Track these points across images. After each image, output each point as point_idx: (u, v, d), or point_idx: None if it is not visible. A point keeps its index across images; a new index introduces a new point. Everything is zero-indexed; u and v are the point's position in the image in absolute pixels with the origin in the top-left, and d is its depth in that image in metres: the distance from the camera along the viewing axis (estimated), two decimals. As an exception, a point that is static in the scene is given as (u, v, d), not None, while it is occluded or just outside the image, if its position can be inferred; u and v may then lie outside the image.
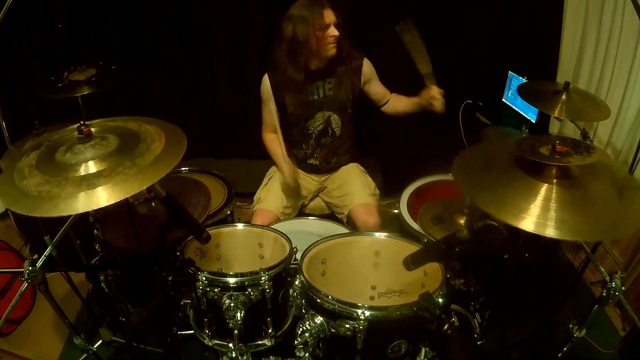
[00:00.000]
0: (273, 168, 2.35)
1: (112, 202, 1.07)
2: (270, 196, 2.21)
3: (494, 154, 1.39)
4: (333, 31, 1.97)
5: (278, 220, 2.15)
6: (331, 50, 2.01)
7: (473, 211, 1.70)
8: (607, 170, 1.27)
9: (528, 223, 1.08)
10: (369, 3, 2.52)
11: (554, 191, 1.15)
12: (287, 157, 2.11)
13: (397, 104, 2.27)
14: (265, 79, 2.15)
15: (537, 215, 1.09)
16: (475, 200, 1.17)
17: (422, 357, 1.35)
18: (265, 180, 2.32)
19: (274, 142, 2.22)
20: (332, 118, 2.18)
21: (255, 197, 2.28)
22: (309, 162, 2.29)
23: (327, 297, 1.33)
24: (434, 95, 1.98)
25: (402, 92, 2.29)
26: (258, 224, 2.07)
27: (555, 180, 1.18)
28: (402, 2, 2.53)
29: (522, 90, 1.92)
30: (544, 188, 1.16)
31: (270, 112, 2.18)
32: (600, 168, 1.25)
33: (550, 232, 1.06)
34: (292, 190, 2.19)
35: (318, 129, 2.20)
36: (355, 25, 2.21)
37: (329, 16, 1.97)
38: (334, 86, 2.13)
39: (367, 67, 2.18)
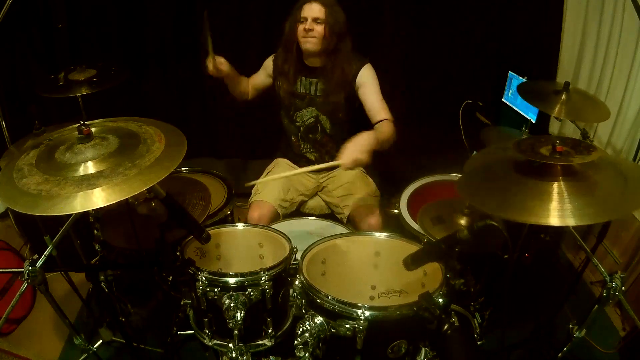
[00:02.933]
0: (273, 162, 2.37)
1: (111, 202, 1.07)
2: (268, 188, 2.21)
3: (492, 165, 1.43)
4: (308, 25, 1.98)
5: (276, 213, 2.15)
6: (305, 45, 2.03)
7: (473, 211, 1.70)
8: (610, 162, 1.31)
9: (552, 219, 1.14)
10: (368, 1, 2.52)
11: (563, 187, 1.19)
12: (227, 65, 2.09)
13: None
14: (271, 57, 2.24)
15: (557, 209, 1.15)
16: (490, 211, 1.20)
17: (422, 357, 1.35)
18: (264, 174, 2.33)
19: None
20: (320, 117, 2.19)
21: (253, 189, 2.28)
22: (306, 155, 2.30)
23: (327, 297, 1.33)
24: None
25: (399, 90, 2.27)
26: (255, 216, 2.08)
27: (561, 177, 1.21)
28: (402, 2, 2.54)
29: (522, 90, 1.92)
30: (554, 186, 1.20)
31: (258, 77, 2.30)
32: (602, 163, 1.28)
33: (571, 221, 1.13)
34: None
35: (306, 123, 2.21)
36: (354, 23, 2.20)
37: (310, 10, 1.99)
38: (323, 89, 2.12)
39: (363, 72, 2.08)
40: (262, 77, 2.30)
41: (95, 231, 1.88)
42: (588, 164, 1.23)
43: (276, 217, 2.16)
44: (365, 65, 2.11)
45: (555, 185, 1.19)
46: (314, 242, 1.59)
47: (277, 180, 2.23)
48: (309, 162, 2.31)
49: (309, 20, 1.99)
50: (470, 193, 1.36)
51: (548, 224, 1.13)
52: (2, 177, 1.18)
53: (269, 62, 2.26)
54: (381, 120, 2.03)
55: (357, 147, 1.69)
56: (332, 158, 2.28)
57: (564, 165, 1.21)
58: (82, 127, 1.21)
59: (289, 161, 2.34)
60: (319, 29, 1.99)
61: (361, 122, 2.33)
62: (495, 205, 1.21)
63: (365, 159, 1.69)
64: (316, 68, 2.12)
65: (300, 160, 2.32)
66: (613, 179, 1.24)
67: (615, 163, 1.32)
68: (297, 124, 2.23)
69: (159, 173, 1.14)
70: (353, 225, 2.14)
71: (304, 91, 2.16)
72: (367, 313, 1.28)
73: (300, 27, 2.01)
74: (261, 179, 2.21)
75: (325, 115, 2.18)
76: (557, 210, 1.14)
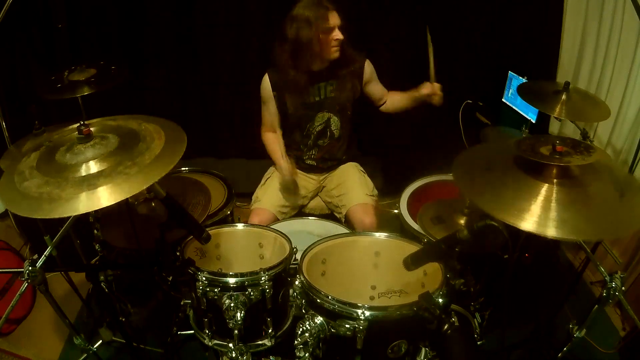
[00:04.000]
0: (272, 167, 2.35)
1: (112, 202, 1.07)
2: (267, 195, 2.21)
3: (494, 155, 1.40)
4: (337, 34, 1.96)
5: (275, 219, 2.15)
6: (334, 54, 2.00)
7: (473, 211, 1.70)
8: (607, 170, 1.28)
9: (529, 223, 1.08)
10: (369, 2, 2.52)
11: (554, 191, 1.15)
12: (286, 155, 2.10)
13: (395, 100, 2.27)
14: (266, 79, 2.14)
15: (538, 215, 1.10)
16: (476, 200, 1.17)
17: (422, 357, 1.36)
18: (263, 180, 2.32)
19: (273, 140, 2.22)
20: (331, 120, 2.18)
21: (253, 196, 2.28)
22: (307, 162, 2.29)
23: (327, 297, 1.33)
24: (434, 90, 2.00)
25: (400, 88, 2.28)
26: (255, 223, 2.08)
27: (555, 180, 1.18)
28: (403, 2, 2.54)
29: (522, 90, 1.92)
30: (544, 188, 1.16)
31: (270, 112, 2.19)
32: (600, 168, 1.25)
33: (552, 232, 1.06)
34: (290, 189, 2.18)
35: (317, 129, 2.19)
36: (355, 23, 2.21)
37: (334, 19, 1.95)
38: (335, 88, 2.12)
39: (368, 68, 2.17)
40: (271, 106, 2.17)
41: (95, 231, 1.88)
42: (586, 167, 1.20)
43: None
44: (367, 61, 2.18)
45: (545, 188, 1.15)
46: (314, 242, 1.59)
47: (278, 187, 2.23)
48: (310, 167, 2.31)
49: (336, 29, 1.96)
50: (465, 179, 1.32)
51: (523, 228, 1.07)
52: (5, 181, 1.19)
53: (267, 86, 2.14)
54: (387, 94, 2.29)
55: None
56: (334, 161, 2.30)
57: (561, 167, 1.18)
58: (82, 127, 1.21)
59: None
60: (341, 36, 1.98)
61: (362, 120, 2.35)
62: (487, 199, 1.18)
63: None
64: (321, 71, 2.09)
65: (300, 164, 2.31)
66: (608, 192, 1.19)
67: (613, 170, 1.28)
68: (309, 132, 2.21)
69: (160, 170, 1.14)
70: (349, 224, 2.14)
71: (313, 99, 2.13)
72: (367, 313, 1.28)
73: (332, 37, 1.96)
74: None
75: (336, 116, 2.18)
76: (538, 217, 1.08)
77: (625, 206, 1.15)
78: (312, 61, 2.04)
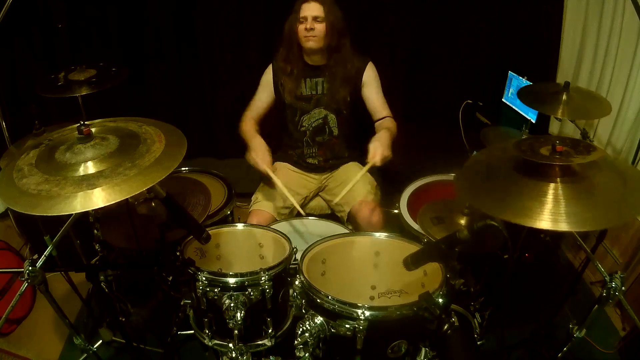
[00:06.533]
0: (273, 165, 2.35)
1: (111, 202, 1.07)
2: (267, 197, 2.20)
3: (492, 163, 1.41)
4: (307, 24, 2.01)
5: (275, 221, 2.15)
6: (307, 43, 2.05)
7: (473, 211, 1.70)
8: (609, 164, 1.30)
9: (544, 222, 1.12)
10: (369, 2, 2.52)
11: (560, 189, 1.18)
12: (259, 138, 2.15)
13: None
14: (270, 68, 2.23)
15: (550, 213, 1.13)
16: (486, 209, 1.19)
17: (422, 357, 1.35)
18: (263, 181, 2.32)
19: (250, 124, 2.26)
20: (329, 117, 2.20)
21: (252, 197, 2.27)
22: (308, 160, 2.29)
23: (327, 297, 1.33)
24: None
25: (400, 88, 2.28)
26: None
27: (559, 179, 1.20)
28: (403, 2, 2.54)
29: (522, 94, 1.92)
30: (550, 187, 1.18)
31: (261, 99, 2.27)
32: (602, 163, 1.27)
33: (565, 226, 1.10)
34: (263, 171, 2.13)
35: (313, 125, 2.21)
36: (355, 23, 2.21)
37: (309, 9, 2.02)
38: (330, 86, 2.14)
39: (368, 71, 2.18)
40: (265, 94, 2.25)
41: (95, 231, 1.88)
42: (587, 166, 1.22)
43: None
44: (369, 64, 2.18)
45: (552, 187, 1.18)
46: (314, 242, 1.58)
47: (278, 187, 2.19)
48: (311, 166, 2.31)
49: (309, 19, 2.01)
50: (468, 190, 1.35)
51: (539, 227, 1.10)
52: (2, 177, 1.19)
53: (268, 75, 2.23)
54: (384, 117, 2.18)
55: (384, 144, 1.91)
56: (338, 159, 2.31)
57: (563, 166, 1.20)
58: (82, 127, 1.21)
59: (289, 164, 2.33)
60: (320, 27, 2.02)
61: (364, 119, 2.34)
62: (492, 204, 1.20)
63: (390, 153, 1.92)
64: (320, 67, 2.14)
65: (301, 164, 2.31)
66: (611, 184, 1.22)
67: (614, 165, 1.30)
68: (303, 128, 2.22)
69: (159, 173, 1.14)
70: (353, 223, 2.14)
71: (309, 93, 2.17)
72: (367, 313, 1.27)
73: (301, 27, 2.03)
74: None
75: (333, 114, 2.19)
76: (551, 215, 1.12)
77: (630, 191, 1.19)
78: (301, 51, 2.11)
